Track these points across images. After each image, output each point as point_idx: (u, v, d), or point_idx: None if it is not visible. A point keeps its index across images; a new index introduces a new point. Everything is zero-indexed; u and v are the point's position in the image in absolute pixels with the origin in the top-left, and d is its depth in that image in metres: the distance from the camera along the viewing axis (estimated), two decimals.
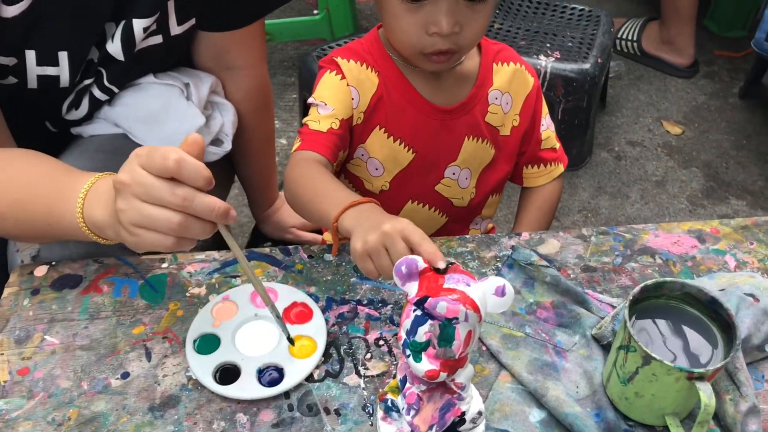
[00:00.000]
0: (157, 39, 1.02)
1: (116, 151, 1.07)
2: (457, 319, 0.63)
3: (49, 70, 0.96)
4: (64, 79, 0.97)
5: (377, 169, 1.02)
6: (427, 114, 0.98)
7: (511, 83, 1.03)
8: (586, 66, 1.95)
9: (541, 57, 1.96)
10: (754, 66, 2.42)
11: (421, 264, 0.66)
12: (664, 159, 2.23)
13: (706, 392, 0.65)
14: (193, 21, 1.05)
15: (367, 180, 1.03)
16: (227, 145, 1.18)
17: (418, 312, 0.65)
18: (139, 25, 0.97)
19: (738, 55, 2.61)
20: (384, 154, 1.00)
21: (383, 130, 0.99)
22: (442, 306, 0.63)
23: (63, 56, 0.95)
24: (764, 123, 2.36)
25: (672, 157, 2.23)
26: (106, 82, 1.03)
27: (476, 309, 0.63)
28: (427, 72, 0.96)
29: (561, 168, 1.12)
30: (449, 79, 0.99)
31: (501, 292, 0.65)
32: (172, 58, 1.11)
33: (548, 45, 2.02)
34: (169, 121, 1.08)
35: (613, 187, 2.12)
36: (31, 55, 0.93)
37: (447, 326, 0.63)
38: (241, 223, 1.90)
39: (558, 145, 1.12)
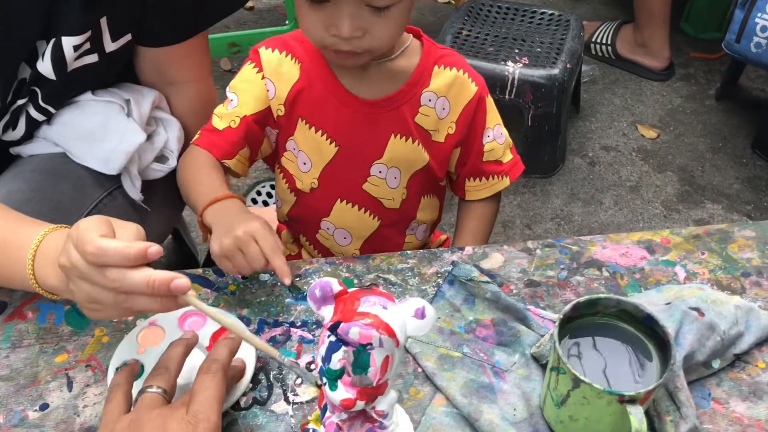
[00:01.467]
0: (93, 58, 0.99)
1: (53, 171, 1.03)
2: (371, 344, 0.60)
3: None
4: None
5: (305, 164, 1.01)
6: (348, 106, 0.96)
7: (450, 89, 0.99)
8: (555, 71, 1.92)
9: (509, 63, 1.94)
10: (729, 67, 2.40)
11: (336, 287, 0.63)
12: (639, 164, 2.20)
13: (636, 416, 0.62)
14: (129, 37, 1.02)
15: (297, 177, 1.03)
16: (172, 162, 1.14)
17: (332, 338, 0.62)
18: (68, 42, 0.93)
19: (714, 56, 2.59)
20: (309, 146, 0.99)
21: (305, 121, 0.98)
22: (354, 331, 0.60)
23: None
24: (740, 125, 2.34)
25: (647, 161, 2.21)
26: (41, 102, 1.00)
27: (391, 333, 0.60)
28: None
29: (506, 182, 1.07)
30: (378, 73, 0.96)
31: (420, 315, 0.62)
32: (110, 75, 1.08)
33: (516, 51, 2.00)
34: (109, 138, 1.05)
35: (586, 194, 2.09)
36: None
37: (361, 352, 0.60)
38: (197, 243, 1.86)
39: (508, 158, 1.07)
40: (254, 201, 1.64)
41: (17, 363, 0.80)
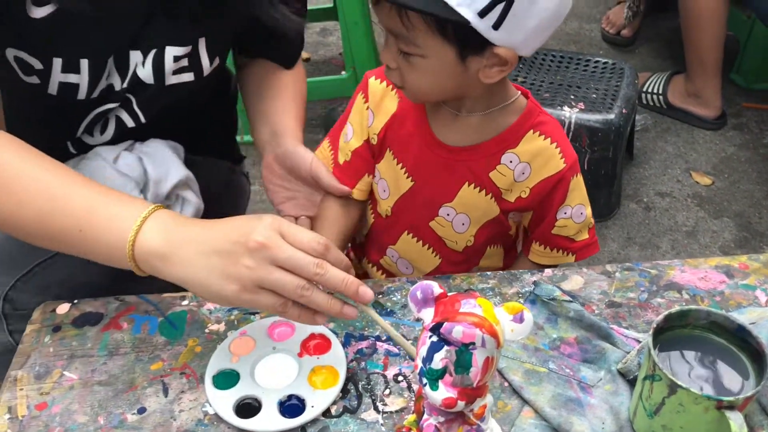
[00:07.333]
0: (189, 76, 1.04)
1: None
2: (473, 344, 0.61)
3: (71, 78, 0.97)
4: (83, 88, 0.98)
5: (384, 191, 1.05)
6: (429, 147, 0.98)
7: (535, 157, 0.96)
8: (611, 116, 1.95)
9: (565, 108, 1.97)
10: None
11: (437, 289, 0.66)
12: (695, 209, 2.20)
13: (737, 422, 0.63)
14: (218, 61, 1.08)
15: (378, 200, 1.08)
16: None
17: (434, 338, 0.64)
18: (170, 52, 0.99)
19: (766, 107, 2.60)
20: (389, 175, 1.03)
21: (391, 152, 1.02)
22: (458, 330, 0.62)
23: (84, 64, 0.97)
24: None
25: (702, 207, 2.20)
26: (135, 107, 1.05)
27: (493, 333, 0.62)
28: (448, 110, 0.97)
29: (571, 259, 1.03)
30: (466, 123, 0.97)
31: (519, 319, 0.64)
32: (203, 96, 1.13)
33: (572, 97, 2.03)
34: None
35: (642, 238, 2.09)
36: (57, 63, 0.95)
37: (464, 352, 0.62)
38: None
39: (582, 237, 1.02)
40: None
41: (114, 369, 0.83)
